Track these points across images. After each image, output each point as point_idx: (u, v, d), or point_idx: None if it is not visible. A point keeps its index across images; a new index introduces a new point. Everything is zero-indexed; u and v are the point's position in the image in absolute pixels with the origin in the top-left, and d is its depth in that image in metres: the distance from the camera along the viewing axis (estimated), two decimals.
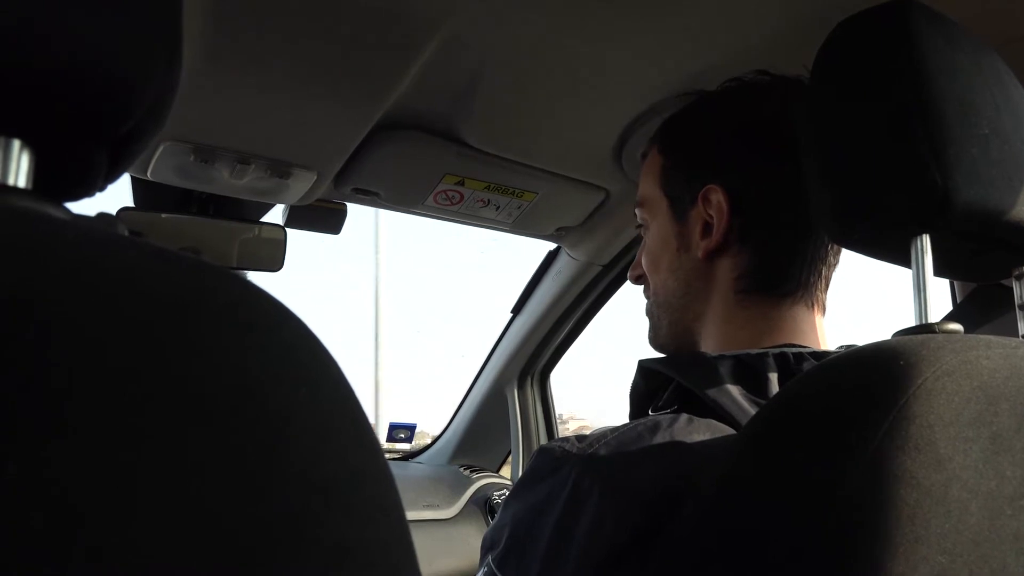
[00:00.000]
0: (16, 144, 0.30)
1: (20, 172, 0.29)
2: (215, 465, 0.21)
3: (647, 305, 0.79)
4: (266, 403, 0.23)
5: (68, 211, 0.30)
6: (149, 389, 0.21)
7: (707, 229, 0.70)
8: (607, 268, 1.57)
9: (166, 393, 0.21)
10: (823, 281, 0.69)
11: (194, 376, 0.22)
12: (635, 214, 0.80)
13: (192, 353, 0.22)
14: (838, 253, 0.70)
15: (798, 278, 0.67)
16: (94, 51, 0.29)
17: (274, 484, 0.22)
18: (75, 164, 0.32)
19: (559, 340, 1.80)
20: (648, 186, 0.77)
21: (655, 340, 0.78)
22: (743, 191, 0.68)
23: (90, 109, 0.30)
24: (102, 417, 0.20)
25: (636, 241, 1.22)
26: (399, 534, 0.26)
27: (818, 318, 0.69)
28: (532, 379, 1.88)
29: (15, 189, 0.29)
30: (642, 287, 0.81)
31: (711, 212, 0.69)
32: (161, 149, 0.98)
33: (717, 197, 0.68)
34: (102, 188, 0.34)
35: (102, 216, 0.30)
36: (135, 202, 1.17)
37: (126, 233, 0.27)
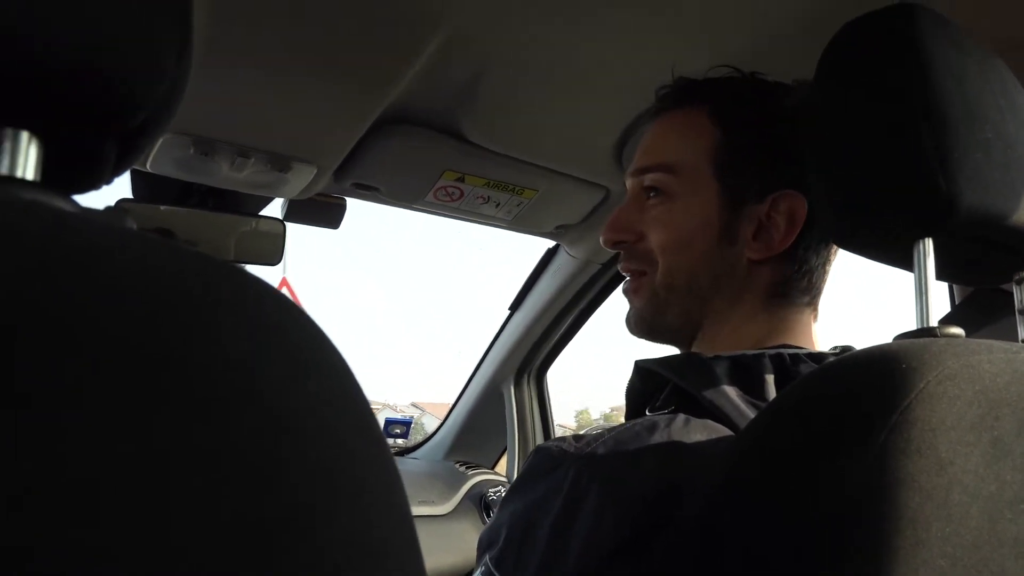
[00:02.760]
0: (24, 136, 0.29)
1: (28, 164, 0.29)
2: (222, 458, 0.21)
3: (649, 284, 0.70)
4: (272, 398, 0.23)
5: (76, 203, 0.30)
6: (157, 382, 0.21)
7: (761, 231, 0.66)
8: (606, 267, 1.57)
9: (173, 386, 0.21)
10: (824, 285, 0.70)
11: (201, 370, 0.22)
12: (644, 178, 0.70)
13: (199, 347, 0.22)
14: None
15: (820, 284, 0.68)
16: (104, 44, 0.29)
17: (280, 479, 0.22)
18: (83, 157, 0.32)
19: (556, 338, 1.80)
20: (687, 154, 0.68)
21: (651, 324, 0.71)
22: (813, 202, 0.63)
23: (100, 103, 0.30)
24: (111, 409, 0.20)
25: None
26: (404, 531, 0.26)
27: (814, 321, 0.70)
28: (529, 376, 1.88)
29: (22, 181, 0.29)
30: (622, 256, 0.73)
31: (777, 217, 0.65)
32: (161, 141, 0.98)
33: (794, 206, 0.65)
34: (109, 181, 0.34)
35: (110, 209, 0.30)
36: (134, 194, 1.17)
37: (134, 227, 0.27)
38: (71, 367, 0.20)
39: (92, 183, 0.33)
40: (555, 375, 1.93)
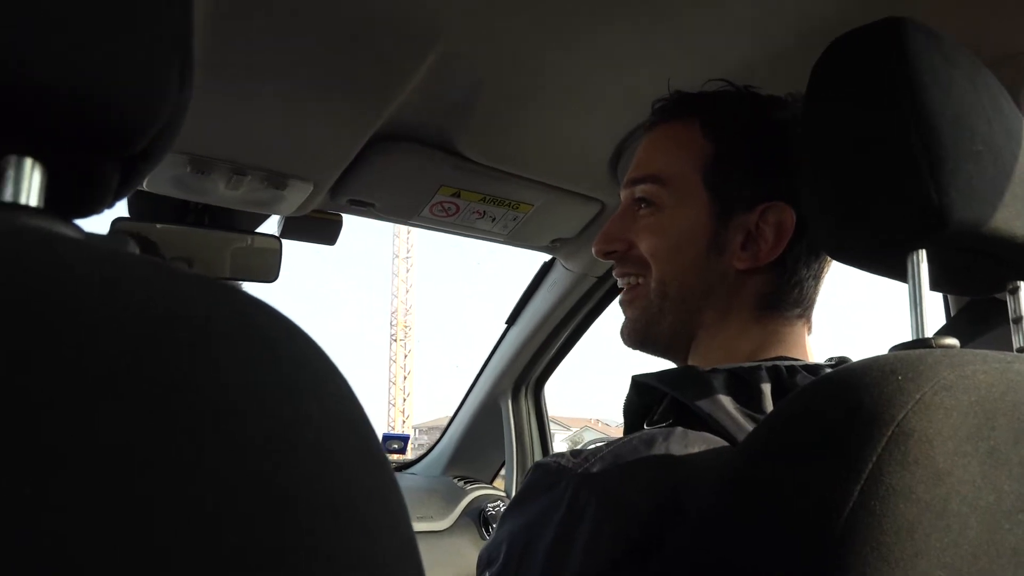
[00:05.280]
0: (28, 163, 0.30)
1: (32, 190, 0.30)
2: (226, 480, 0.21)
3: (644, 293, 0.70)
4: (274, 418, 0.23)
5: (79, 229, 0.30)
6: (162, 406, 0.21)
7: (749, 241, 0.66)
8: (602, 280, 1.57)
9: (177, 410, 0.21)
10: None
11: (204, 392, 0.22)
12: (635, 189, 0.70)
13: (202, 369, 0.22)
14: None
15: (812, 296, 0.69)
16: (106, 71, 0.29)
17: (283, 499, 0.22)
18: (87, 182, 0.32)
19: (553, 352, 1.80)
20: (678, 165, 0.69)
21: (645, 334, 0.71)
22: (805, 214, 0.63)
23: (103, 129, 0.30)
24: (119, 433, 0.20)
25: None
26: (407, 548, 0.26)
27: (807, 333, 0.70)
28: (526, 390, 1.88)
29: (26, 208, 0.29)
30: (614, 266, 0.73)
31: (765, 227, 0.66)
32: None
33: (782, 217, 0.65)
34: (111, 205, 0.34)
35: (113, 235, 0.30)
36: (130, 212, 1.17)
37: (136, 251, 0.27)
38: (81, 393, 0.20)
39: (94, 207, 0.33)
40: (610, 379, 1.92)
